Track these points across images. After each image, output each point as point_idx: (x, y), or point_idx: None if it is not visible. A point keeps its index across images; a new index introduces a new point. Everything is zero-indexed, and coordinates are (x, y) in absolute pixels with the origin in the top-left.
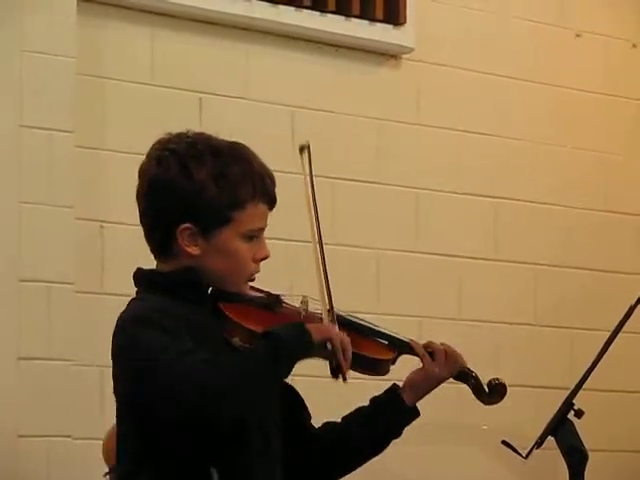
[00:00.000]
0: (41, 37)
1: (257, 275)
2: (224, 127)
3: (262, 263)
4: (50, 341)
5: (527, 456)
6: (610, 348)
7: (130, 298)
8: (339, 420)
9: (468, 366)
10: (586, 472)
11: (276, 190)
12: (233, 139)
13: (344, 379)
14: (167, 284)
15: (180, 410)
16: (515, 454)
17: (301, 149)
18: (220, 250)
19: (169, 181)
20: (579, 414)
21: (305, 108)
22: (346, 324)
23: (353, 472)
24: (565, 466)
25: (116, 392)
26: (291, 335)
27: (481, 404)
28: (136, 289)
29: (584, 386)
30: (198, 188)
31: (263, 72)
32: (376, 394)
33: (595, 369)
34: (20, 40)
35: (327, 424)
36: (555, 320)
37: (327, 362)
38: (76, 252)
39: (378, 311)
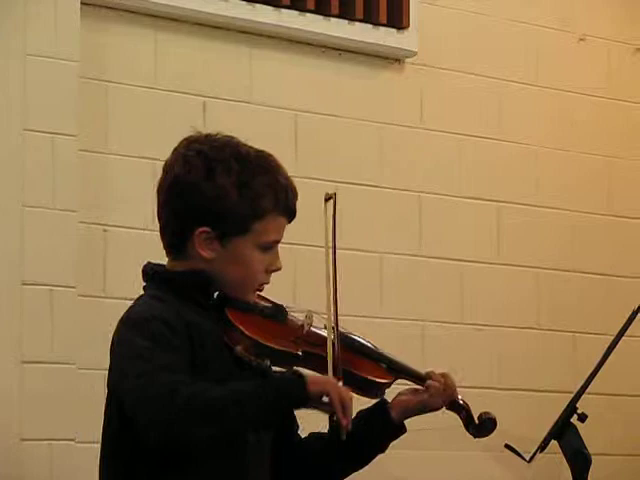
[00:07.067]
0: (44, 41)
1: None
2: (227, 131)
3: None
4: (53, 344)
5: (530, 460)
6: (613, 352)
7: (134, 299)
8: (325, 431)
9: (461, 398)
10: (589, 476)
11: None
12: None
13: (341, 436)
14: (176, 283)
15: (148, 423)
16: (518, 458)
17: (327, 199)
18: (235, 258)
19: (192, 183)
20: (582, 418)
21: (308, 112)
22: (347, 344)
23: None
24: (568, 470)
25: (108, 382)
26: (286, 387)
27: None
28: (144, 284)
29: (587, 390)
30: (220, 194)
31: (267, 76)
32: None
33: (598, 373)
34: (23, 44)
35: (312, 435)
36: (558, 324)
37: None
38: (79, 256)
39: (381, 315)
